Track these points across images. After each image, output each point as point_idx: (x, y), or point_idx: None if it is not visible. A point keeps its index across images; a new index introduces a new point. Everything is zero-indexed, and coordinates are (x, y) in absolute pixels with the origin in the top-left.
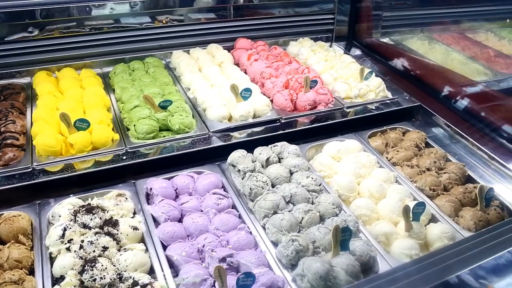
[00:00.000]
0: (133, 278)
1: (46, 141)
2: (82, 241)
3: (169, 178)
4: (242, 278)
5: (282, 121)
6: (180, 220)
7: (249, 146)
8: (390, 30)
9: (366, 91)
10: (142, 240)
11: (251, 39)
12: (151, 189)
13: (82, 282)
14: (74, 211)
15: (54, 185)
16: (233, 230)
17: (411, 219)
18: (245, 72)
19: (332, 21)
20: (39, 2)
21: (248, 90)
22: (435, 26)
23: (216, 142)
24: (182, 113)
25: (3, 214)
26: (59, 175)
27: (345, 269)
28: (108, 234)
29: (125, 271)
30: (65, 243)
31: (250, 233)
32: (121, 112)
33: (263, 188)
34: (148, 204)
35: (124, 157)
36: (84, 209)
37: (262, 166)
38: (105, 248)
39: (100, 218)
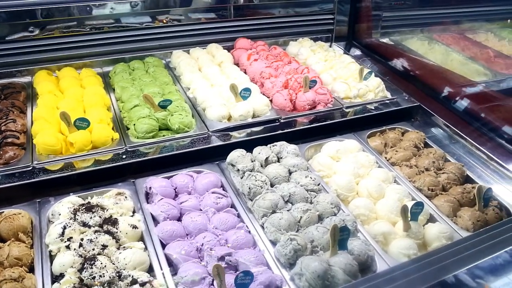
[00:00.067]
0: (132, 276)
1: (46, 140)
2: (82, 239)
3: (168, 177)
4: (241, 277)
5: (281, 121)
6: (179, 219)
7: (248, 145)
8: (390, 30)
9: (365, 91)
10: (141, 239)
11: (251, 39)
12: (150, 188)
13: (81, 280)
14: (74, 209)
15: (54, 184)
16: (232, 229)
17: (409, 219)
18: (245, 72)
19: (332, 21)
20: (40, 1)
21: (247, 90)
22: (435, 26)
23: (216, 142)
24: (181, 113)
25: (3, 212)
26: (59, 174)
27: (343, 268)
28: (108, 232)
29: (124, 269)
30: (65, 241)
31: (249, 232)
32: (121, 111)
33: (262, 188)
34: (148, 203)
35: (124, 156)
36: (83, 207)
37: (261, 166)
38: (104, 247)
39: (100, 217)
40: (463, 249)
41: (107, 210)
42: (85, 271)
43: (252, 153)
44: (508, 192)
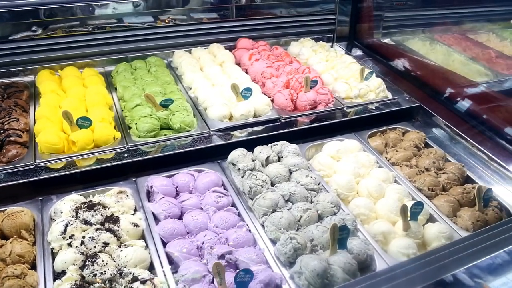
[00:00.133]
0: (133, 274)
1: (48, 138)
2: (83, 237)
3: (169, 176)
4: (241, 275)
5: (282, 120)
6: (180, 218)
7: (249, 145)
8: (391, 30)
9: (366, 91)
10: (142, 237)
11: (252, 39)
12: (151, 186)
13: (83, 277)
14: (76, 207)
15: (56, 182)
16: (232, 227)
17: (409, 218)
18: (246, 72)
19: (334, 21)
20: (43, 1)
21: (248, 89)
22: (436, 26)
23: (217, 141)
24: (183, 112)
25: (6, 210)
26: (61, 172)
27: (342, 267)
28: (109, 230)
29: (125, 267)
30: (67, 239)
31: (249, 231)
32: (122, 110)
33: (262, 187)
34: (149, 201)
35: (126, 155)
36: (85, 205)
37: (262, 165)
38: (105, 244)
39: (101, 215)
40: (462, 249)
41: (108, 208)
42: (87, 269)
43: (253, 152)
44: (508, 193)
